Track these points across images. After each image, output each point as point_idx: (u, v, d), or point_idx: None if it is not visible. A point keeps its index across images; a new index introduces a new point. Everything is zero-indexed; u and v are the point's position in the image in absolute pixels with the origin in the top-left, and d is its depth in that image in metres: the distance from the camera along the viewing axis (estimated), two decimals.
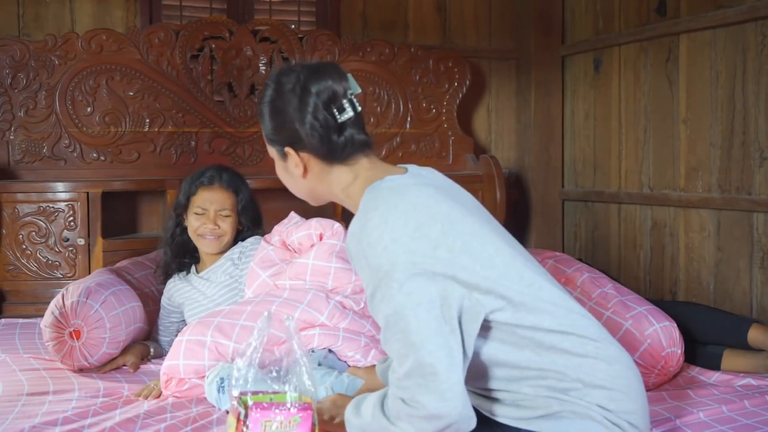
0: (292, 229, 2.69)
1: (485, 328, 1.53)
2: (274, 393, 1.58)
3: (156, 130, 3.67)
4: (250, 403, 1.56)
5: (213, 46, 3.75)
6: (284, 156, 1.69)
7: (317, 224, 2.63)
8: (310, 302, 2.38)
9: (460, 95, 4.14)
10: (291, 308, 2.36)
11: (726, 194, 3.31)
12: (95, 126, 3.60)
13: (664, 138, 3.64)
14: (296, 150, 1.65)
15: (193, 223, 2.76)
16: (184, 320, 2.85)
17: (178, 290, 2.84)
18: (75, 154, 3.56)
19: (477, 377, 1.57)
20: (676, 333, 2.37)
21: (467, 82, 4.14)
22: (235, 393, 1.61)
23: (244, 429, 1.56)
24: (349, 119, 1.63)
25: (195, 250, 2.86)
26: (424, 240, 1.50)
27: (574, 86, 4.29)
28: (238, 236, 2.84)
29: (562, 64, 4.34)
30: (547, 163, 4.33)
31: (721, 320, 2.66)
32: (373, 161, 1.69)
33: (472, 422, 1.49)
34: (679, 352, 2.36)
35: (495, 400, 1.60)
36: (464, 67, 4.13)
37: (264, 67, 3.80)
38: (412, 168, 1.71)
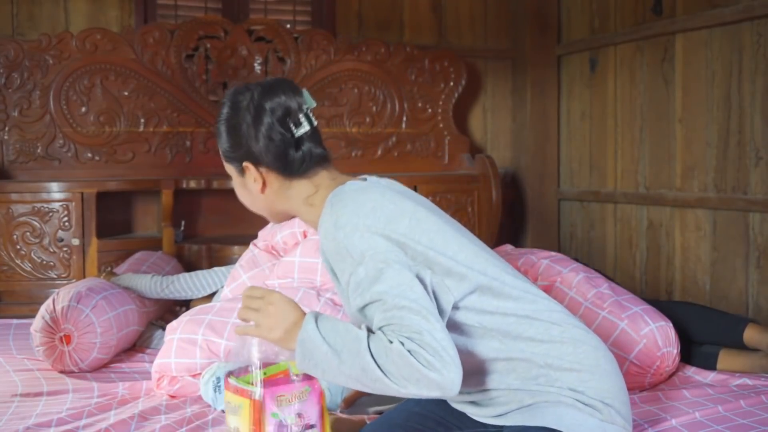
0: (276, 230, 2.69)
1: (452, 324, 1.54)
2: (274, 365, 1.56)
3: (151, 129, 3.67)
4: (260, 378, 1.53)
5: (208, 45, 3.74)
6: (242, 172, 1.67)
7: (300, 222, 2.63)
8: (301, 300, 2.38)
9: (456, 95, 4.14)
10: None
11: (722, 194, 3.31)
12: (90, 126, 3.59)
13: (660, 137, 3.64)
14: (255, 165, 1.65)
15: None
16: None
17: None
18: (69, 154, 3.56)
19: None
20: (671, 333, 2.37)
21: (463, 82, 4.14)
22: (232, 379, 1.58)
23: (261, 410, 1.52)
24: (306, 133, 1.63)
25: None
26: (395, 231, 1.52)
27: (570, 86, 4.29)
28: None
29: (558, 63, 4.34)
30: (543, 163, 4.33)
31: (718, 320, 2.66)
32: (333, 173, 1.70)
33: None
34: (675, 351, 2.36)
35: (471, 402, 1.61)
36: (460, 66, 4.13)
37: (259, 67, 3.80)
38: (371, 177, 1.72)
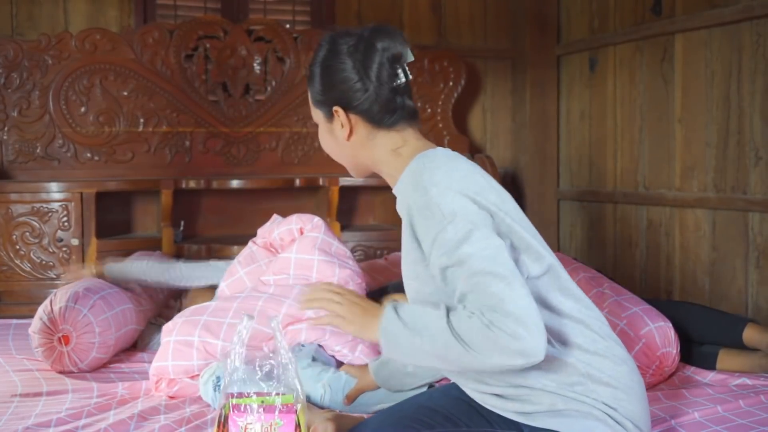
0: (273, 227, 2.70)
1: None
2: (258, 395, 1.57)
3: (150, 129, 3.67)
4: (230, 406, 1.55)
5: (207, 45, 3.74)
6: (330, 117, 1.66)
7: (297, 219, 2.65)
8: (297, 297, 2.37)
9: (456, 95, 4.14)
10: (277, 303, 2.37)
11: (721, 194, 3.32)
12: (89, 126, 3.59)
13: (660, 137, 3.64)
14: (345, 110, 1.63)
15: None
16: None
17: None
18: (69, 154, 3.56)
19: None
20: (671, 333, 2.37)
21: (462, 82, 4.14)
22: (222, 397, 1.60)
23: None
24: (401, 85, 1.62)
25: None
26: (487, 195, 1.53)
27: (570, 86, 4.29)
28: None
29: (558, 63, 4.35)
30: (543, 163, 4.34)
31: (717, 320, 2.66)
32: (418, 133, 1.68)
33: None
34: (674, 352, 2.36)
35: (497, 395, 1.59)
36: (459, 66, 4.13)
37: (259, 67, 3.80)
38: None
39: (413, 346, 1.46)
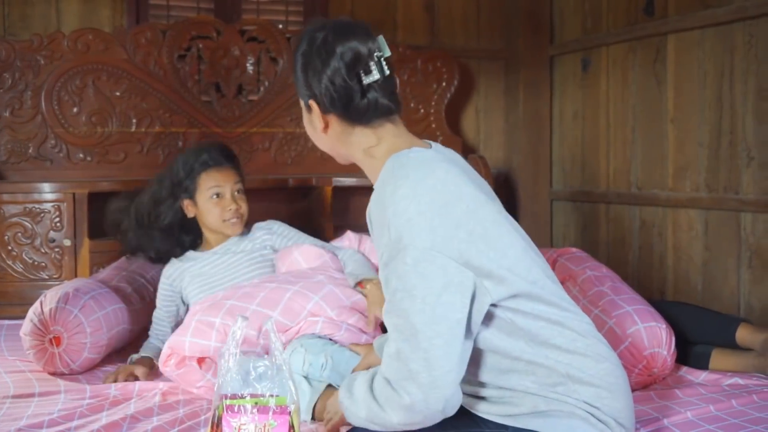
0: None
1: (486, 315, 1.53)
2: (252, 396, 1.57)
3: (143, 130, 3.66)
4: (224, 407, 1.56)
5: (200, 45, 3.74)
6: (309, 108, 1.67)
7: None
8: (325, 296, 2.39)
9: (449, 95, 4.15)
10: (305, 299, 2.37)
11: (714, 194, 3.33)
12: (82, 126, 3.58)
13: (653, 138, 3.65)
14: (318, 105, 1.64)
15: (213, 210, 2.68)
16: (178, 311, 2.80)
17: (185, 271, 2.76)
18: (61, 155, 3.55)
19: (469, 364, 1.56)
20: (662, 334, 2.36)
21: (455, 82, 4.14)
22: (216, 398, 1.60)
23: None
24: (376, 82, 1.60)
25: (198, 231, 2.80)
26: (448, 218, 1.48)
27: (563, 86, 4.30)
28: None
29: (551, 63, 4.35)
30: (536, 163, 4.34)
31: (710, 320, 2.67)
32: (399, 128, 1.67)
33: (453, 409, 1.50)
34: (666, 353, 2.35)
35: (482, 398, 1.60)
36: (452, 66, 4.13)
37: (252, 67, 3.79)
38: (436, 145, 1.69)
39: (358, 416, 1.54)
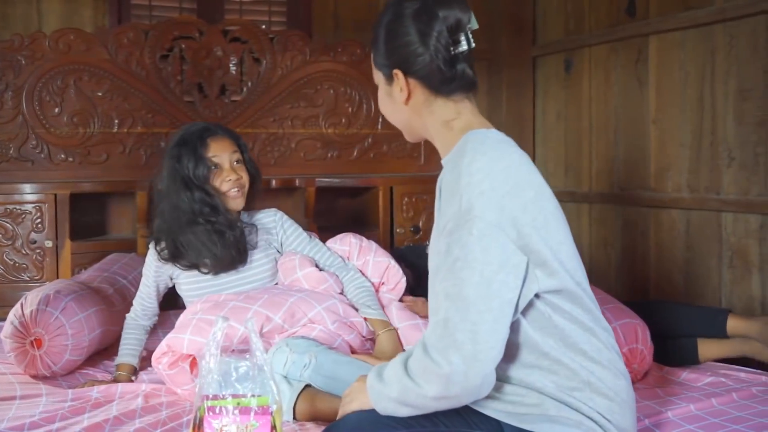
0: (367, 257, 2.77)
1: (526, 304, 1.54)
2: (234, 397, 1.57)
3: (125, 130, 3.65)
4: (205, 408, 1.55)
5: (183, 46, 3.72)
6: (390, 80, 1.67)
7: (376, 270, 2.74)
8: (328, 308, 2.42)
9: None
10: (308, 306, 2.40)
11: (695, 194, 3.35)
12: (63, 127, 3.56)
13: (635, 138, 3.67)
14: (405, 74, 1.64)
15: (213, 182, 2.54)
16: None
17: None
18: (43, 155, 3.53)
19: None
20: (640, 330, 2.39)
21: None
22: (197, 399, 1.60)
23: None
24: (463, 53, 1.62)
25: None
26: (517, 200, 1.51)
27: (546, 87, 4.31)
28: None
29: (534, 64, 4.37)
30: None
31: (697, 314, 2.70)
32: (474, 107, 1.70)
33: (488, 389, 1.51)
34: (643, 348, 2.38)
35: (493, 396, 1.59)
36: None
37: (234, 68, 3.79)
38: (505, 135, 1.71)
39: (389, 397, 1.55)
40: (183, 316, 2.38)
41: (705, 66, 3.29)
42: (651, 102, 3.57)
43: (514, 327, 1.53)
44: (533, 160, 4.31)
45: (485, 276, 1.44)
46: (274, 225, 2.73)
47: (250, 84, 3.82)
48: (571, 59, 4.09)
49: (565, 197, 4.14)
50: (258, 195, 2.73)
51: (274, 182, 3.70)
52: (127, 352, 2.60)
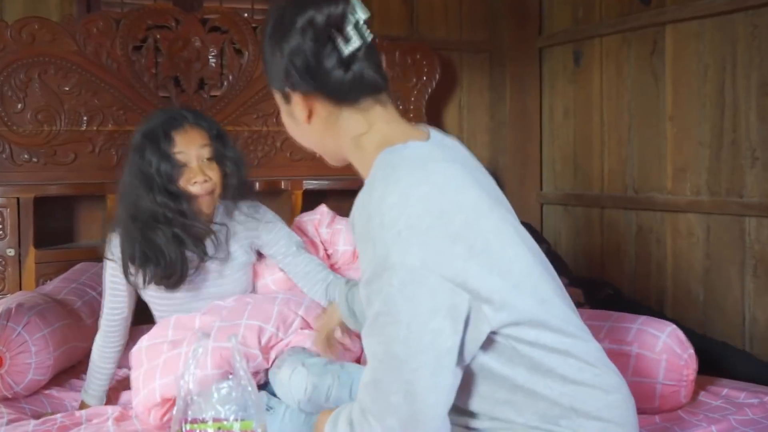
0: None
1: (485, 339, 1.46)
2: (215, 420, 1.53)
3: (95, 128, 3.61)
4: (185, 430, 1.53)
5: (158, 36, 3.69)
6: (287, 98, 1.55)
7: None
8: (308, 307, 2.48)
9: (429, 90, 4.13)
10: (295, 304, 2.45)
11: (716, 197, 3.33)
12: (27, 124, 3.52)
13: (649, 136, 3.66)
14: (297, 89, 1.52)
15: (179, 184, 2.40)
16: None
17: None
18: (4, 156, 3.49)
19: (459, 391, 1.50)
20: (680, 333, 2.35)
21: (437, 77, 4.13)
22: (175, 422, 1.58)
23: None
24: (357, 51, 1.48)
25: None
26: (443, 231, 1.38)
27: (553, 81, 4.30)
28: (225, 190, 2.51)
29: (540, 56, 4.36)
30: (524, 164, 4.33)
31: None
32: (390, 111, 1.56)
33: None
34: (693, 350, 2.34)
35: (472, 429, 1.55)
36: (433, 60, 4.12)
37: (214, 60, 3.76)
38: (435, 134, 1.58)
39: None
40: (149, 345, 2.34)
41: (725, 58, 3.27)
42: (667, 97, 3.56)
43: (476, 363, 1.47)
44: (539, 161, 4.33)
45: (413, 330, 1.36)
46: (257, 226, 2.65)
47: (231, 77, 3.79)
48: (581, 51, 4.07)
49: (573, 200, 4.11)
50: (242, 187, 2.58)
51: (257, 185, 3.66)
52: (94, 391, 2.51)
